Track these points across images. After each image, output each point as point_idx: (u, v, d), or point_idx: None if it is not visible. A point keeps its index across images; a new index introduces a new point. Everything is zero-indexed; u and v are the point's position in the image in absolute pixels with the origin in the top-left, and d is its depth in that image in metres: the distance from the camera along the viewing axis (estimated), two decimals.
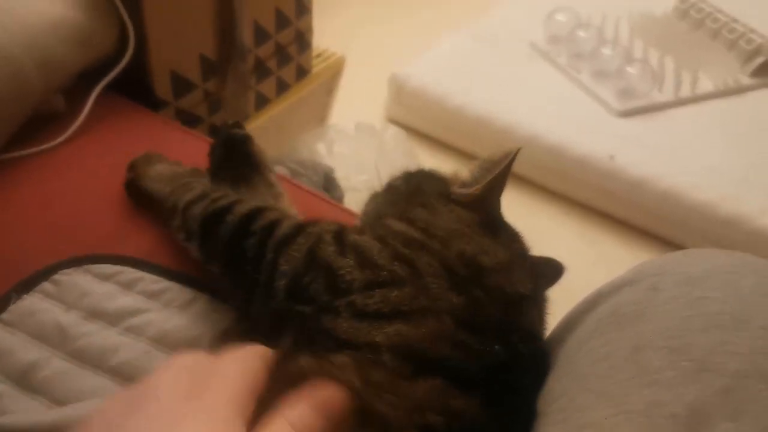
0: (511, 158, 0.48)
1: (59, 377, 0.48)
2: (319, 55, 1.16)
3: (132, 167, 0.61)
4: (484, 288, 0.42)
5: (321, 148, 1.20)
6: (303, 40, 1.04)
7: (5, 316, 0.51)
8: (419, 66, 1.51)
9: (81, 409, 0.45)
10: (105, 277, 0.54)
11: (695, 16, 1.59)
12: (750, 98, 1.47)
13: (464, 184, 0.50)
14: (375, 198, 0.53)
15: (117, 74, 0.73)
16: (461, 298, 0.41)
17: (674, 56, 1.52)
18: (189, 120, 0.86)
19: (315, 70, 1.13)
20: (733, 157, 1.33)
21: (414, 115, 1.49)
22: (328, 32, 1.21)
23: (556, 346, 0.43)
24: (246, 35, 0.90)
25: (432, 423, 0.36)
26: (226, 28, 0.86)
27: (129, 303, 0.52)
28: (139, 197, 0.60)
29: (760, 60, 1.48)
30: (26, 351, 0.49)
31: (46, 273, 0.54)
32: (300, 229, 0.46)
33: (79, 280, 0.54)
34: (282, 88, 1.05)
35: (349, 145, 1.23)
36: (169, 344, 0.50)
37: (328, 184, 0.92)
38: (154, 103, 0.80)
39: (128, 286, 0.54)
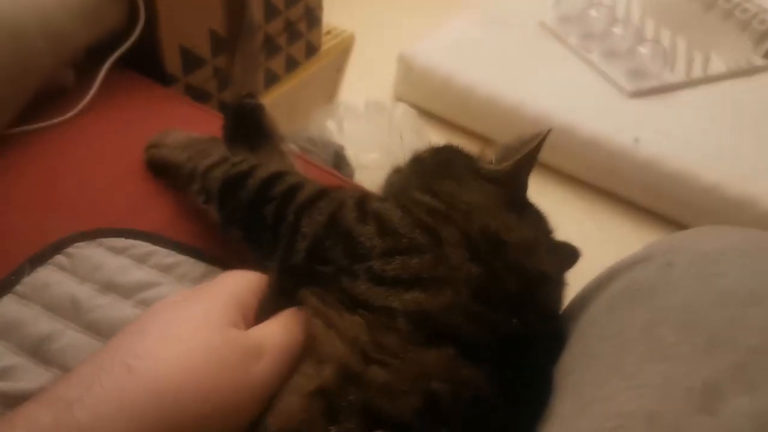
0: (541, 138, 0.48)
1: (73, 349, 0.48)
2: (328, 33, 1.16)
3: (151, 144, 0.62)
4: (505, 262, 0.42)
5: (331, 126, 1.20)
6: (313, 17, 1.04)
7: (19, 288, 0.51)
8: (428, 45, 1.49)
9: None
10: (118, 251, 0.54)
11: None
12: (762, 79, 1.45)
13: (492, 163, 0.50)
14: (398, 171, 0.53)
15: (127, 49, 0.72)
16: (480, 270, 0.41)
17: (686, 36, 1.50)
18: (198, 96, 0.86)
19: (325, 47, 1.12)
20: (745, 139, 1.32)
21: (422, 94, 1.48)
22: (338, 9, 1.20)
23: (568, 322, 0.43)
24: (256, 11, 0.89)
25: (436, 390, 0.37)
26: (236, 3, 0.85)
27: (142, 276, 0.53)
28: (163, 171, 0.61)
29: None
30: (40, 323, 0.49)
31: (60, 246, 0.54)
32: (323, 193, 0.47)
33: (92, 253, 0.54)
34: (291, 65, 1.05)
35: (359, 123, 1.22)
36: None
37: (339, 161, 0.92)
38: (163, 79, 0.80)
39: (141, 259, 0.54)
